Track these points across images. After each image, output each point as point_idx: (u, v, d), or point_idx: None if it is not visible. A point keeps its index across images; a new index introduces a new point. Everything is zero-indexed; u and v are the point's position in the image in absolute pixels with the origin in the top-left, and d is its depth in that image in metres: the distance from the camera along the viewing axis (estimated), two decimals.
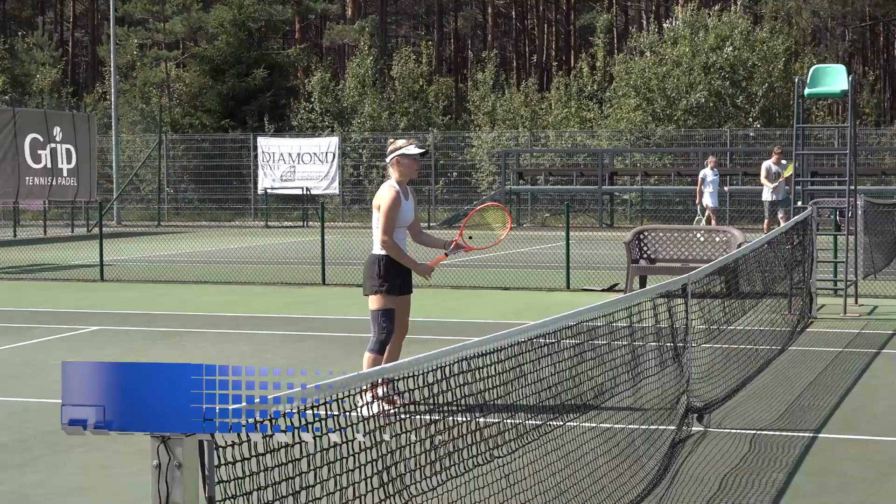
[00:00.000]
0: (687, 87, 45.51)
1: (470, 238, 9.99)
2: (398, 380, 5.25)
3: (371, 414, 5.08)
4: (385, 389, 8.50)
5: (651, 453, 7.82)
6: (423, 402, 5.48)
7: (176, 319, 16.05)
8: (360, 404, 4.76)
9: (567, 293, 18.64)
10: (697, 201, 29.40)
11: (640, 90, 45.88)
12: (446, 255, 9.80)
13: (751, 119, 45.58)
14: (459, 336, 13.27)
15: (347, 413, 4.63)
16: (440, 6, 76.77)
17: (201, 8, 59.95)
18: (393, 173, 9.69)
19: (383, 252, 9.51)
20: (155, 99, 55.20)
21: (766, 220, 26.64)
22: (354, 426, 4.75)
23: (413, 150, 9.66)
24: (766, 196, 26.77)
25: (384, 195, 9.55)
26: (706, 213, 29.02)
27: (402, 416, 5.32)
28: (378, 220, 9.56)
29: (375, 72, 52.16)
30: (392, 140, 10.13)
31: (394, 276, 9.50)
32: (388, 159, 9.75)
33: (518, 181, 43.47)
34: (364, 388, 4.83)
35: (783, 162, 26.25)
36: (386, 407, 5.49)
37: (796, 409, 9.76)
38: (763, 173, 26.75)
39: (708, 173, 28.92)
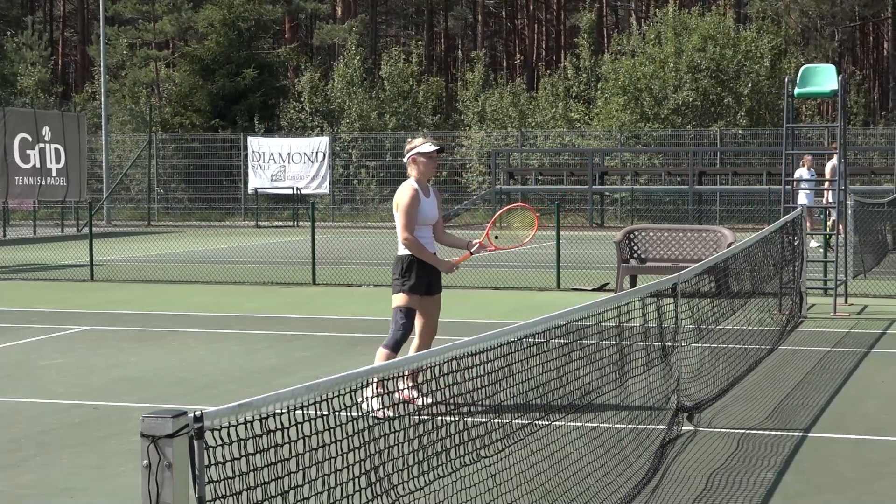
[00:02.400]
0: (673, 86, 45.48)
1: (496, 238, 10.11)
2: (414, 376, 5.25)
3: (372, 410, 5.12)
4: (405, 384, 8.59)
5: (639, 452, 7.84)
6: (439, 402, 5.48)
7: (166, 319, 16.04)
8: (365, 396, 4.79)
9: (557, 293, 18.66)
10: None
11: (627, 90, 45.90)
12: (471, 253, 9.84)
13: (738, 118, 45.57)
14: (449, 336, 13.27)
15: (337, 413, 4.65)
16: (430, 6, 76.74)
17: (191, 7, 59.88)
18: (411, 172, 9.74)
19: (406, 252, 9.52)
20: (144, 98, 55.10)
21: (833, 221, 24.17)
22: (344, 426, 4.76)
23: (429, 147, 9.72)
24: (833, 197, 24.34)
25: (403, 194, 9.58)
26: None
27: (399, 414, 5.33)
28: (399, 219, 9.57)
29: (363, 72, 52.12)
30: (410, 139, 10.23)
31: (419, 276, 9.49)
32: (405, 158, 9.80)
33: (508, 181, 43.50)
34: (372, 381, 4.84)
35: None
36: (385, 402, 5.47)
37: (786, 408, 9.78)
38: (828, 173, 24.59)
39: (804, 173, 27.87)
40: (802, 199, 26.83)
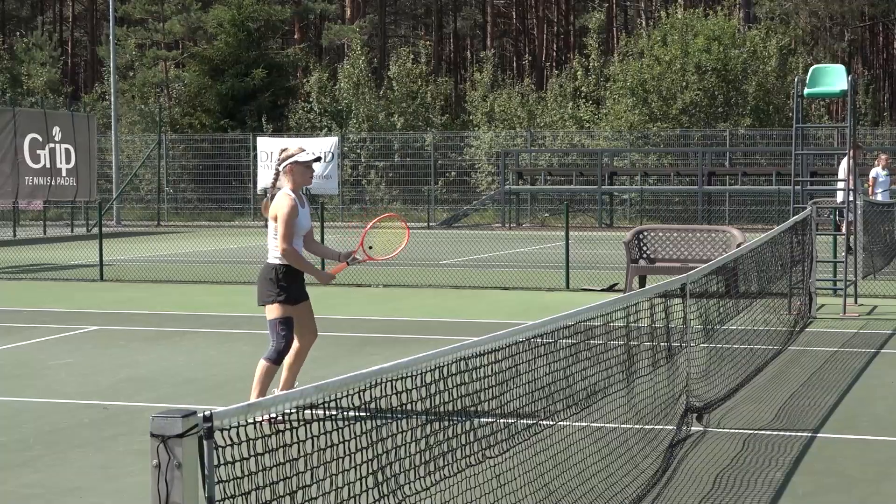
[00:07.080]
0: (680, 87, 45.40)
1: (370, 248, 9.97)
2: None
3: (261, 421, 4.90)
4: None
5: (647, 452, 7.84)
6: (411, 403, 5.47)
7: (176, 319, 16.06)
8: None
9: (567, 293, 18.65)
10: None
11: (636, 90, 45.84)
12: (347, 263, 9.74)
13: (744, 116, 45.48)
14: (459, 336, 13.28)
15: (345, 412, 4.65)
16: (439, 6, 76.74)
17: (200, 8, 59.92)
18: (286, 182, 9.47)
19: (279, 261, 9.33)
20: (154, 99, 55.15)
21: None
22: (351, 426, 4.76)
23: (306, 156, 9.47)
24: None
25: (281, 204, 9.35)
26: None
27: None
28: (275, 229, 9.36)
29: (369, 72, 52.10)
30: (284, 148, 10.00)
31: (291, 286, 9.34)
32: (280, 167, 9.51)
33: (517, 181, 43.47)
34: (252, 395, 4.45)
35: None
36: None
37: (795, 408, 9.78)
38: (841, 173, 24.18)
39: (879, 172, 27.45)
40: (879, 198, 26.22)
